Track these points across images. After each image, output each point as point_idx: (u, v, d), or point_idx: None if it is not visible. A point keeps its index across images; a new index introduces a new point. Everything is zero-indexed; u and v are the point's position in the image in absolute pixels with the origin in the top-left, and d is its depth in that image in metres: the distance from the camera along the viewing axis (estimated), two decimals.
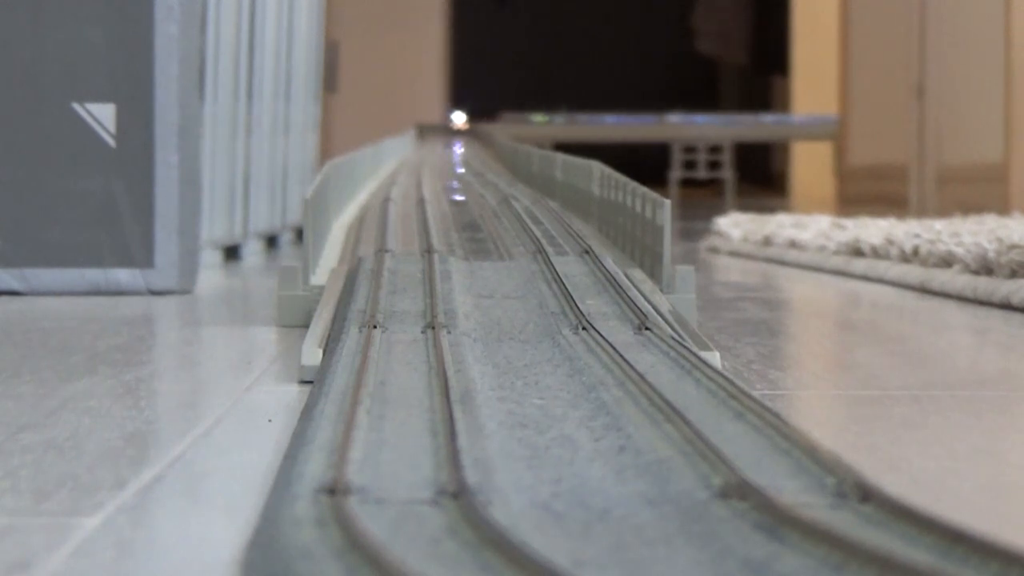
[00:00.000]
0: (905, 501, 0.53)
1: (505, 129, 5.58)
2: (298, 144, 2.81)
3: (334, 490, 0.55)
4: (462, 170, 3.07)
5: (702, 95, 7.20)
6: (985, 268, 1.60)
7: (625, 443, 0.66)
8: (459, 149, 3.91)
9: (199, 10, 1.75)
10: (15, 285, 1.63)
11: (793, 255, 2.20)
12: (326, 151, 3.54)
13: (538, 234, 1.50)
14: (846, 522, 0.52)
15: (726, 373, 0.81)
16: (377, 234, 1.60)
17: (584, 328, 0.99)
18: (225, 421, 0.85)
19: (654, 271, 1.31)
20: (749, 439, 0.65)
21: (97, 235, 1.64)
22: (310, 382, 0.94)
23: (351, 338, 0.96)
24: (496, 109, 5.93)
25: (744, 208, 3.39)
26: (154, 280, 1.64)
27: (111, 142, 1.65)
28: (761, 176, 6.61)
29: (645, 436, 0.67)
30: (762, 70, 7.09)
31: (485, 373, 0.86)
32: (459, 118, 5.32)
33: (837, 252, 2.07)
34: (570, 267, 1.27)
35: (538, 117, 5.73)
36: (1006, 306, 1.51)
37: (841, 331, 1.46)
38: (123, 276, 1.64)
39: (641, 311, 1.05)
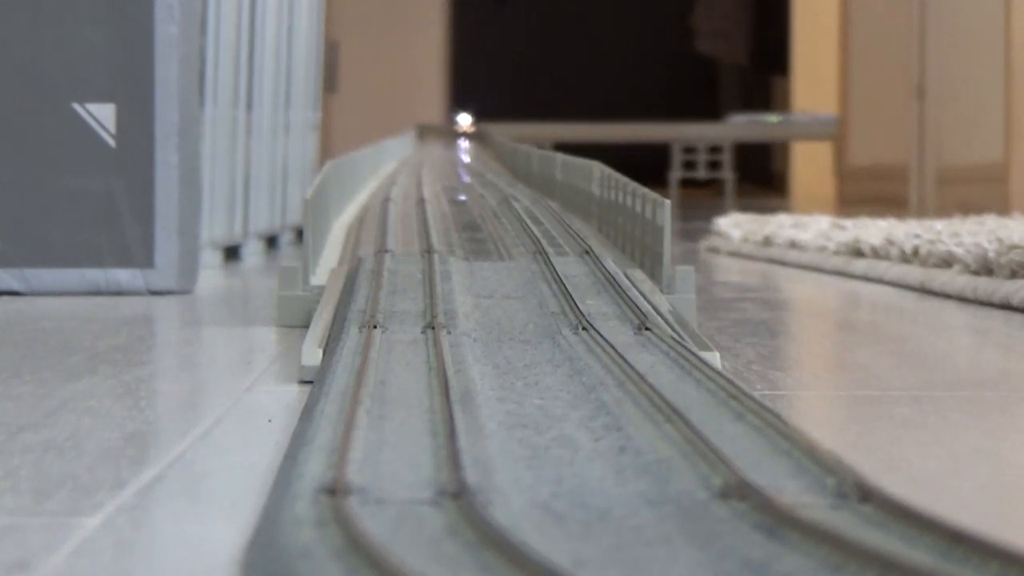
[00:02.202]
0: (905, 501, 0.53)
1: (730, 130, 5.54)
2: (298, 144, 2.81)
3: (334, 490, 0.55)
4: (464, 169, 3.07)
5: (702, 95, 7.20)
6: (985, 268, 1.60)
7: (625, 443, 0.66)
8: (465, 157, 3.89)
9: (199, 10, 1.75)
10: (15, 285, 1.63)
11: (793, 255, 2.20)
12: (326, 151, 3.54)
13: (538, 234, 1.50)
14: (846, 522, 0.52)
15: (726, 373, 0.81)
16: (377, 234, 1.60)
17: (584, 328, 0.99)
18: (225, 421, 0.85)
19: (654, 271, 1.31)
20: (749, 439, 0.65)
21: (97, 235, 1.64)
22: (310, 382, 0.94)
23: (351, 338, 0.96)
24: (500, 112, 5.89)
25: (744, 208, 3.39)
26: (154, 280, 1.64)
27: (111, 142, 1.65)
28: (761, 176, 6.61)
29: (645, 436, 0.67)
30: (762, 70, 7.09)
31: (485, 373, 0.86)
32: (464, 120, 5.31)
33: (837, 252, 2.06)
34: (570, 267, 1.27)
35: (771, 117, 5.66)
36: (1006, 306, 1.51)
37: (841, 331, 1.46)
38: (123, 276, 1.64)
39: (641, 311, 1.05)
